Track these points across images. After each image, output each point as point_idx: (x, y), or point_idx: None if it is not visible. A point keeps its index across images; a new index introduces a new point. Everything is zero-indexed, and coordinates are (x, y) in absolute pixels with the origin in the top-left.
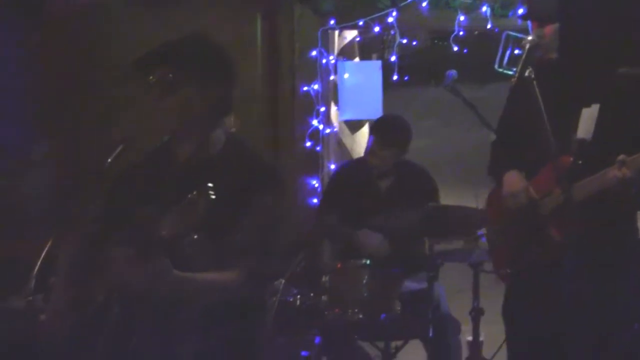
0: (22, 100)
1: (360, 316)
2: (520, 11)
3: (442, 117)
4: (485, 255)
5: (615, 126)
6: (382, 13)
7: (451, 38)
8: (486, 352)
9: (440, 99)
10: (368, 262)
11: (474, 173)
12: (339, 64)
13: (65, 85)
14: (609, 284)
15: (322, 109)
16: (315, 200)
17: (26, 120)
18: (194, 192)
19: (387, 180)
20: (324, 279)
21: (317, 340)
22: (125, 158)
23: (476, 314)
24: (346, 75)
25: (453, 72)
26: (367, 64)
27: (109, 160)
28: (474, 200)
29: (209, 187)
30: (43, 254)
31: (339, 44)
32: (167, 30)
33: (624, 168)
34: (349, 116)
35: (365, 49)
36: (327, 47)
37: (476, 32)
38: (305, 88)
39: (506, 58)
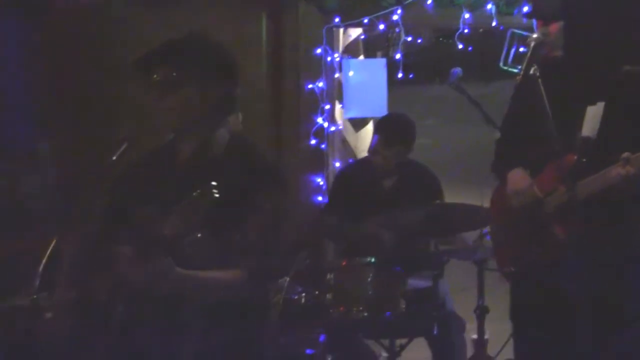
0: (25, 98)
1: (365, 314)
2: (525, 9)
3: (447, 115)
4: (489, 253)
5: (620, 124)
6: (387, 11)
7: (456, 36)
8: (491, 350)
9: (445, 96)
10: (373, 260)
11: (479, 171)
12: (344, 61)
13: (68, 83)
14: (613, 282)
15: (327, 106)
16: (320, 198)
17: (29, 118)
18: (197, 191)
19: (391, 180)
20: (329, 277)
21: (322, 338)
22: (129, 157)
23: (481, 312)
24: (351, 73)
25: (458, 70)
26: (372, 61)
27: (112, 158)
28: (478, 198)
29: (212, 185)
30: (47, 253)
31: (343, 42)
32: (170, 29)
33: (628, 166)
34: (353, 114)
35: (370, 46)
36: (331, 45)
37: (481, 30)
38: (310, 86)
39: (511, 56)
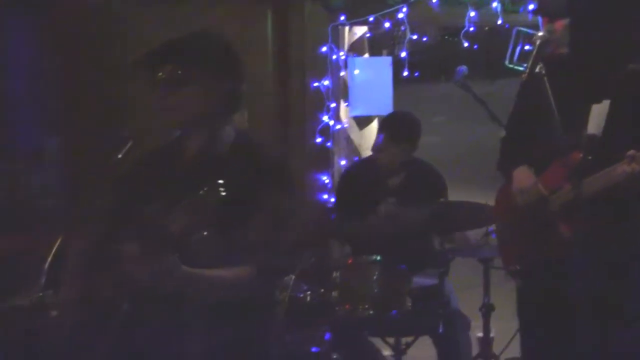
0: (31, 97)
1: (371, 312)
2: (531, 7)
3: (452, 113)
4: (495, 251)
5: (626, 122)
6: (393, 9)
7: (461, 34)
8: (497, 348)
9: (450, 94)
10: (378, 258)
11: (484, 169)
12: (349, 60)
13: (73, 82)
14: (618, 280)
15: (333, 105)
16: (325, 196)
17: (35, 117)
18: (204, 189)
19: (396, 178)
20: (335, 275)
21: (328, 336)
22: (135, 154)
23: (487, 310)
24: (356, 71)
25: (463, 68)
26: (378, 60)
27: (119, 156)
28: (484, 196)
29: (219, 183)
30: (54, 250)
31: (349, 40)
32: (174, 27)
33: (634, 163)
34: (359, 112)
35: (376, 45)
36: (337, 43)
37: (486, 28)
38: (316, 84)
39: (517, 54)
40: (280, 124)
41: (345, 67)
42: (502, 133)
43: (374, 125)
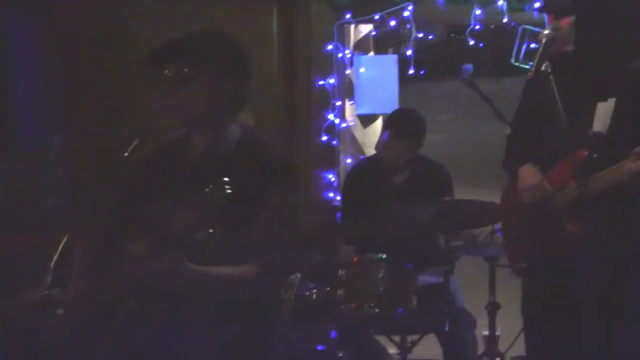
0: (37, 95)
1: (376, 310)
2: (537, 5)
3: (458, 111)
4: (501, 250)
5: (631, 120)
6: (398, 7)
7: (467, 32)
8: (502, 346)
9: (456, 93)
10: (384, 256)
11: (490, 167)
12: (355, 58)
13: (78, 81)
14: (624, 279)
15: (338, 103)
16: (331, 195)
17: (42, 115)
18: (210, 187)
19: (401, 176)
20: (340, 273)
21: (333, 334)
22: (141, 152)
23: (492, 308)
24: (362, 70)
25: (469, 66)
26: (383, 58)
27: (125, 154)
28: (489, 194)
29: (225, 181)
30: (60, 248)
31: (354, 38)
32: (180, 25)
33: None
34: (365, 110)
35: (381, 43)
36: (342, 41)
37: (492, 26)
38: (321, 82)
39: (522, 52)
40: (286, 122)
41: (351, 65)
42: (508, 131)
43: (378, 123)
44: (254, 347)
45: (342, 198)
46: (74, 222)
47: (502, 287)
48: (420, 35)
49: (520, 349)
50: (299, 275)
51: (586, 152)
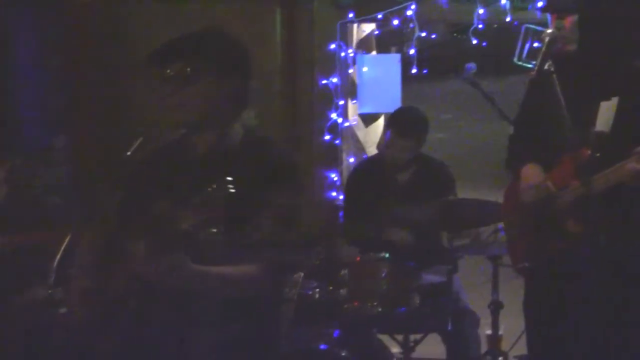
0: (41, 94)
1: (379, 309)
2: (540, 4)
3: (461, 110)
4: (504, 249)
5: (634, 119)
6: (401, 6)
7: (470, 31)
8: (505, 345)
9: (459, 92)
10: (387, 255)
11: (492, 166)
12: (358, 57)
13: (82, 79)
14: (627, 278)
15: (341, 102)
16: (334, 194)
17: (46, 114)
18: (213, 186)
19: (404, 175)
20: (343, 272)
21: (336, 333)
22: (144, 151)
23: (495, 307)
24: (365, 69)
25: (472, 65)
26: (386, 57)
27: (128, 153)
28: (492, 193)
29: (228, 180)
30: (63, 247)
31: (357, 37)
32: (183, 24)
33: None
34: (367, 109)
35: (384, 42)
36: (345, 40)
37: (495, 25)
38: (324, 81)
39: (525, 51)
40: (289, 121)
41: (354, 64)
42: (511, 130)
43: (380, 122)
44: (257, 346)
45: (345, 197)
46: (77, 221)
47: (505, 286)
48: (423, 34)
49: (523, 348)
50: (302, 274)
51: (589, 152)
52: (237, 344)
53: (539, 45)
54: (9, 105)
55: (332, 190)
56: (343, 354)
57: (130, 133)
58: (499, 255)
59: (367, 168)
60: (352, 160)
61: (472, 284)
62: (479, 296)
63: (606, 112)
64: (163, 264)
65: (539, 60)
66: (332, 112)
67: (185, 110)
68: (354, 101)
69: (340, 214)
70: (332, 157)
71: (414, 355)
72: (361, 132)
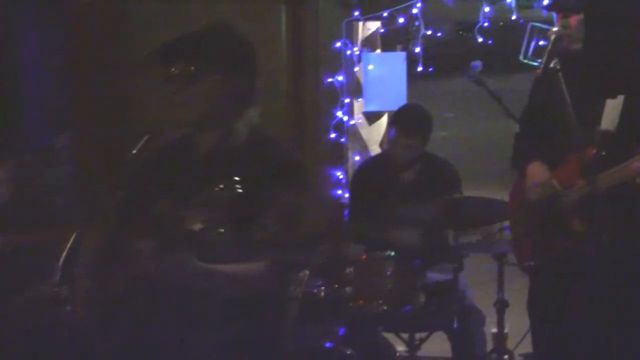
0: (46, 90)
1: (385, 308)
2: (545, 2)
3: (467, 108)
4: (509, 247)
5: None
6: (407, 4)
7: (476, 29)
8: (511, 344)
9: (464, 90)
10: (392, 253)
11: (498, 164)
12: (364, 55)
13: (86, 78)
14: (632, 276)
15: (347, 100)
16: (339, 192)
17: (49, 112)
18: (220, 186)
19: (409, 173)
20: (349, 270)
21: (342, 331)
22: (150, 149)
23: (501, 305)
24: (371, 67)
25: (477, 63)
26: (392, 55)
27: (134, 151)
28: (498, 191)
29: (236, 181)
30: (68, 246)
31: (363, 35)
32: (188, 22)
33: None
34: (373, 107)
35: (390, 40)
36: (351, 38)
37: (501, 23)
38: (330, 80)
39: (531, 49)
40: (294, 119)
41: (359, 62)
42: (516, 128)
43: (383, 120)
44: (262, 345)
45: (350, 196)
46: (81, 220)
47: (511, 285)
48: (429, 32)
49: (528, 346)
50: (307, 272)
51: (594, 150)
52: (242, 342)
53: (545, 43)
54: (11, 105)
55: (338, 188)
56: (348, 352)
57: (134, 132)
58: (504, 253)
59: (372, 166)
60: (357, 158)
61: (477, 282)
62: (485, 294)
63: (612, 111)
64: (168, 263)
65: (544, 58)
66: (337, 110)
67: (189, 109)
68: (360, 99)
69: (346, 212)
70: (338, 156)
71: (420, 353)
72: (364, 130)
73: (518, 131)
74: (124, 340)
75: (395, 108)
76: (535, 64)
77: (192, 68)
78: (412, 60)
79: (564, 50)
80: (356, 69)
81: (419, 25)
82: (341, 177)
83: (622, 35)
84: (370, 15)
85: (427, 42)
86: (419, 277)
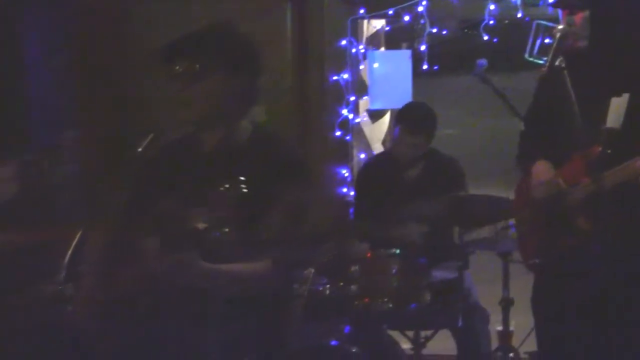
0: (50, 89)
1: (390, 306)
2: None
3: (472, 106)
4: (514, 245)
5: None
6: (412, 2)
7: (481, 27)
8: (516, 341)
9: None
10: (397, 251)
11: (503, 162)
12: (369, 53)
13: (95, 73)
14: (637, 275)
15: (352, 98)
16: (345, 190)
17: (56, 110)
18: (225, 186)
19: (414, 170)
20: (354, 268)
21: (347, 329)
22: (154, 148)
23: (506, 303)
24: (376, 65)
25: (483, 61)
26: (397, 53)
27: (139, 149)
28: (503, 189)
29: (241, 180)
30: (74, 244)
31: (368, 33)
32: (192, 19)
33: None
34: (378, 105)
35: (395, 38)
36: (356, 36)
37: (506, 21)
38: (335, 77)
39: (536, 47)
40: (300, 117)
41: (364, 60)
42: (522, 126)
43: (386, 118)
44: (267, 343)
45: (355, 194)
46: (86, 218)
47: (516, 283)
48: (434, 30)
49: (533, 344)
50: (313, 270)
51: (599, 148)
52: (247, 341)
53: (550, 41)
54: (18, 104)
55: (343, 186)
56: (354, 350)
57: (138, 131)
58: (510, 251)
59: (377, 164)
60: (362, 156)
61: (483, 280)
62: (490, 292)
63: (617, 109)
64: (172, 262)
65: (550, 56)
66: (342, 108)
67: (194, 107)
68: (365, 97)
69: (351, 210)
70: (343, 154)
71: (425, 351)
72: (367, 128)
73: (523, 129)
74: (127, 339)
75: (400, 106)
76: (541, 62)
77: (197, 66)
78: (417, 58)
79: (569, 48)
80: (361, 66)
81: (424, 23)
82: (346, 175)
83: (628, 33)
84: (375, 13)
85: (433, 40)
86: (424, 275)
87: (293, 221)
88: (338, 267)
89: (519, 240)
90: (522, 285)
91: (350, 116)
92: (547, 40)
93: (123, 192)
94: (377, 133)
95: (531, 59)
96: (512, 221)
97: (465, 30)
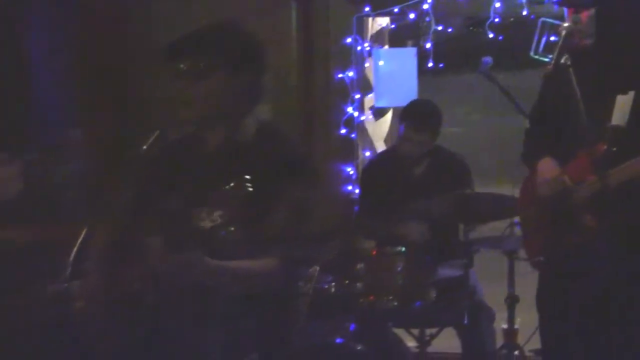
0: (54, 88)
1: (395, 303)
2: None
3: (478, 104)
4: (520, 243)
5: None
6: (418, 0)
7: (487, 25)
8: (521, 339)
9: (475, 86)
10: (403, 249)
11: (509, 160)
12: (374, 51)
13: (96, 72)
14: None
15: (357, 96)
16: (350, 188)
17: (60, 108)
18: (231, 184)
19: (420, 168)
20: (359, 266)
21: (352, 327)
22: (159, 146)
23: (511, 301)
24: (381, 63)
25: (488, 59)
26: (402, 51)
27: (144, 147)
28: (508, 187)
29: (246, 179)
30: (79, 241)
31: (373, 31)
32: (197, 17)
33: None
34: (384, 103)
35: (400, 36)
36: (361, 34)
37: (512, 19)
38: (340, 75)
39: (542, 45)
40: (305, 115)
41: (369, 58)
42: (527, 124)
43: (388, 116)
44: (273, 341)
45: (360, 191)
46: (93, 215)
47: (521, 281)
48: (439, 28)
49: (538, 342)
50: (318, 268)
51: (605, 146)
52: (252, 338)
53: (556, 39)
54: (20, 103)
55: (348, 184)
56: (359, 348)
57: (143, 129)
58: (515, 249)
59: (382, 162)
60: (367, 154)
61: (488, 278)
62: (495, 290)
63: (622, 107)
64: (178, 260)
65: (555, 54)
66: (347, 106)
67: (199, 104)
68: (370, 95)
69: (356, 208)
70: (348, 151)
71: (430, 349)
72: (370, 126)
73: (528, 127)
74: (131, 337)
75: (405, 104)
76: (546, 59)
77: (201, 65)
78: (422, 56)
79: (574, 46)
80: (367, 64)
81: (429, 21)
82: (351, 172)
83: (633, 30)
84: (380, 11)
85: (438, 38)
86: (430, 273)
87: (298, 219)
88: (343, 265)
89: (524, 238)
90: (528, 283)
91: (356, 114)
92: (552, 38)
93: (127, 191)
94: (380, 131)
95: (536, 57)
96: (517, 219)
97: (471, 28)
